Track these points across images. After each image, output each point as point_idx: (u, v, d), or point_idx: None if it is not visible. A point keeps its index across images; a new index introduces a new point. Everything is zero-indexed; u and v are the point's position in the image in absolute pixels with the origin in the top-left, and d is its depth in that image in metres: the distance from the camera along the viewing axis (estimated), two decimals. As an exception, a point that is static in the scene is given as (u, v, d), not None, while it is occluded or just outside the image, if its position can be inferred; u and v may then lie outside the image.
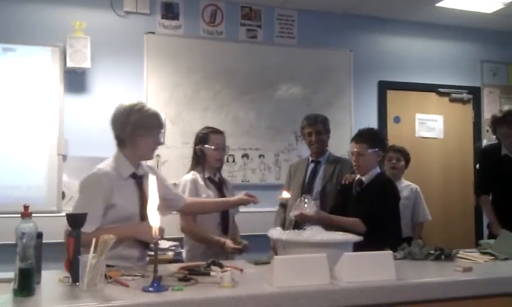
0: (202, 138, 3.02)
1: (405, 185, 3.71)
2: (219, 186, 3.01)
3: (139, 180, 2.22)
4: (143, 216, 2.13)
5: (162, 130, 2.30)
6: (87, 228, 1.92)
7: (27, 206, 1.61)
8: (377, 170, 2.88)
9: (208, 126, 3.17)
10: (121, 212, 2.10)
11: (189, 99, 4.28)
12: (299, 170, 3.46)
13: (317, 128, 3.36)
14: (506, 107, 3.65)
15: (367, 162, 2.81)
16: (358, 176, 2.91)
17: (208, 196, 2.87)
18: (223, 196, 2.96)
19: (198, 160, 3.00)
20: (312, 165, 3.42)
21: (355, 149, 2.83)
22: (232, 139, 4.34)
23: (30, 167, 3.78)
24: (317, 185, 3.34)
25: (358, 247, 2.01)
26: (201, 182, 2.91)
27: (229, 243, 2.81)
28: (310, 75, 4.61)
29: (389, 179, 2.94)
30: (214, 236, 2.85)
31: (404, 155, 3.72)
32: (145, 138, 2.20)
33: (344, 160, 3.46)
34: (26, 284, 1.54)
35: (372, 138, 2.86)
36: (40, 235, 1.68)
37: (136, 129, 2.17)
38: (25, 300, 1.52)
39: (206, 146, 2.96)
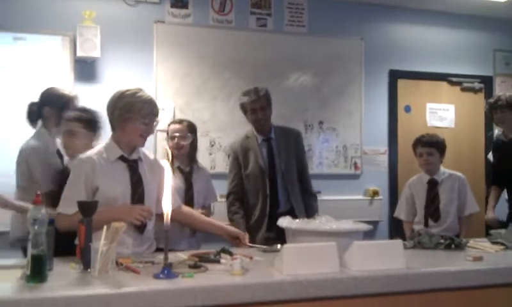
0: (167, 131, 3.09)
1: (447, 176, 3.32)
2: (187, 176, 3.03)
3: (131, 163, 2.20)
4: (135, 199, 2.15)
5: (158, 119, 2.23)
6: (68, 210, 2.03)
7: (39, 194, 1.62)
8: None
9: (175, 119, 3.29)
10: (104, 194, 2.09)
11: (198, 88, 4.28)
12: (251, 151, 3.20)
13: (261, 104, 3.15)
14: (500, 93, 3.69)
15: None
16: None
17: (175, 183, 2.78)
18: (190, 185, 3.00)
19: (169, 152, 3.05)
20: (264, 143, 3.23)
21: None
22: (241, 128, 4.34)
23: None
24: (280, 164, 3.17)
25: None
26: None
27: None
28: (320, 63, 4.58)
29: None
30: None
31: (436, 147, 3.29)
32: (132, 123, 2.16)
33: (290, 129, 3.38)
34: (38, 270, 1.56)
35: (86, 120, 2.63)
36: (51, 222, 1.70)
37: (123, 113, 2.16)
38: (38, 286, 1.54)
39: (166, 137, 3.04)
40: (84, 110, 2.67)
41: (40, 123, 2.84)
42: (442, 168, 3.36)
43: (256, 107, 3.16)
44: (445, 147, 3.34)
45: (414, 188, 3.39)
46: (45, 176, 2.61)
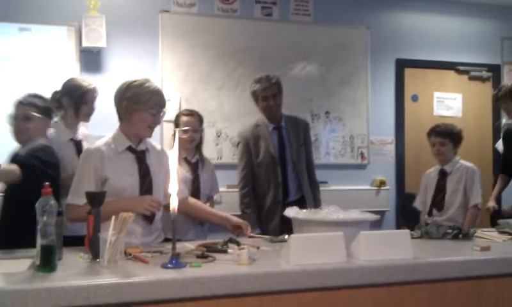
0: (175, 121, 3.11)
1: (458, 167, 3.29)
2: (194, 167, 3.04)
3: (139, 154, 2.21)
4: (143, 189, 2.16)
5: (164, 110, 2.23)
6: (78, 200, 2.04)
7: (48, 184, 1.63)
8: None
9: (183, 109, 3.28)
10: (113, 185, 2.10)
11: (203, 78, 4.27)
12: (262, 139, 3.19)
13: (273, 91, 3.16)
14: (503, 83, 3.67)
15: None
16: None
17: (182, 174, 2.81)
18: (196, 176, 3.02)
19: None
20: (275, 132, 3.23)
21: None
22: (248, 118, 4.33)
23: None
24: (291, 153, 3.18)
25: None
26: None
27: None
28: (326, 53, 4.56)
29: None
30: None
31: (450, 137, 3.26)
32: (139, 114, 2.16)
33: (299, 119, 3.38)
34: (48, 260, 1.58)
35: (41, 106, 2.62)
36: (60, 213, 1.71)
37: (130, 104, 2.16)
38: (48, 275, 1.55)
39: (177, 129, 3.01)
40: (39, 96, 2.66)
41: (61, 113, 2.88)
42: (457, 158, 3.32)
43: (268, 94, 3.16)
44: (460, 138, 3.30)
45: (428, 179, 3.40)
46: None
